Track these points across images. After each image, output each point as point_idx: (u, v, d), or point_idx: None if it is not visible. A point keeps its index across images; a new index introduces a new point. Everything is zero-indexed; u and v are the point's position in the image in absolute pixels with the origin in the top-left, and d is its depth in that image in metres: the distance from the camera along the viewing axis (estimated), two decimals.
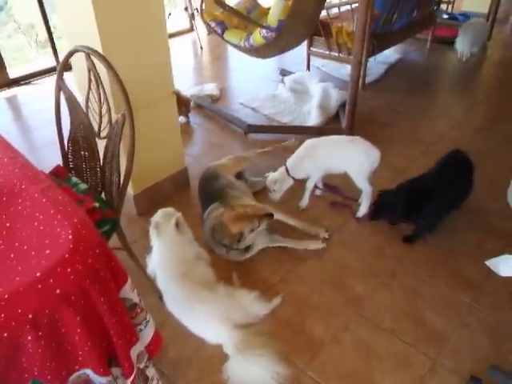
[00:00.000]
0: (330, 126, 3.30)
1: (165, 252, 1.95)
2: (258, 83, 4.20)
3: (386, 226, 2.35)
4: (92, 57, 1.55)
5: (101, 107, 1.61)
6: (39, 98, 3.93)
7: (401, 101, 3.69)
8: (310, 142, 2.40)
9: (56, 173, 1.78)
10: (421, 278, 2.05)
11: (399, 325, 1.84)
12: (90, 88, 1.65)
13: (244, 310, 1.85)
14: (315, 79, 3.81)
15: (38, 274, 0.96)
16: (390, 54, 4.58)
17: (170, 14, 5.14)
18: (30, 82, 4.23)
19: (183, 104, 3.40)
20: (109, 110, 1.60)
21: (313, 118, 3.38)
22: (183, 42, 5.48)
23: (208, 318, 1.79)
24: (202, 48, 5.21)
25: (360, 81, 3.78)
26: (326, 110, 3.42)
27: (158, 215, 1.97)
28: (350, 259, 2.18)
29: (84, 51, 1.56)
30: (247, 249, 2.12)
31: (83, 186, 1.72)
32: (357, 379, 1.66)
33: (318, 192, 2.56)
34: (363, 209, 2.37)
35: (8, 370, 0.98)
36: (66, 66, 1.72)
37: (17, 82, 4.17)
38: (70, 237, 1.05)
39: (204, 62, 5.09)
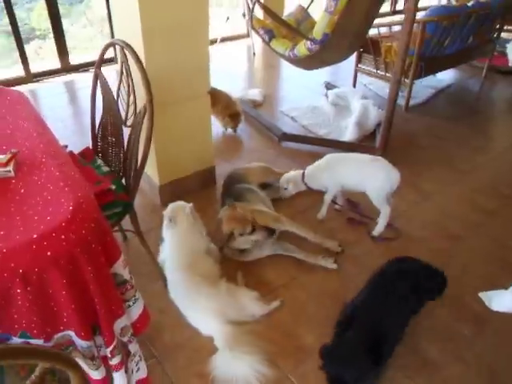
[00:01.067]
0: (363, 143, 3.29)
1: (175, 242, 2.04)
2: (302, 94, 4.25)
3: (400, 249, 2.33)
4: (125, 50, 1.67)
5: (129, 97, 1.73)
6: None
7: (443, 126, 3.62)
8: (332, 157, 2.43)
9: (84, 154, 1.92)
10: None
11: None
12: (121, 79, 1.78)
13: (241, 308, 1.91)
14: (358, 95, 3.82)
15: (34, 236, 1.06)
16: (442, 79, 4.49)
17: (228, 18, 5.31)
18: (87, 70, 4.51)
19: (232, 116, 3.39)
20: (134, 100, 1.71)
21: (348, 134, 3.39)
22: (238, 47, 5.64)
23: (204, 310, 1.86)
24: (254, 54, 5.33)
25: (404, 102, 3.80)
26: (362, 128, 3.42)
27: (171, 208, 2.07)
28: (356, 276, 2.17)
29: (119, 44, 1.69)
30: (243, 251, 2.17)
31: (105, 169, 1.85)
32: None
33: (336, 207, 2.58)
34: (379, 228, 2.37)
35: (0, 319, 1.09)
36: (104, 57, 1.87)
37: (76, 68, 4.47)
38: (71, 208, 1.15)
39: (255, 68, 5.22)
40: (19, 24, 4.90)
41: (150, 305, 1.94)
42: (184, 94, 2.39)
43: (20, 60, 4.20)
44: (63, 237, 1.08)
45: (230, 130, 3.51)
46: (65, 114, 3.73)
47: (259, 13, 3.71)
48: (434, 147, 3.31)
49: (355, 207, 2.56)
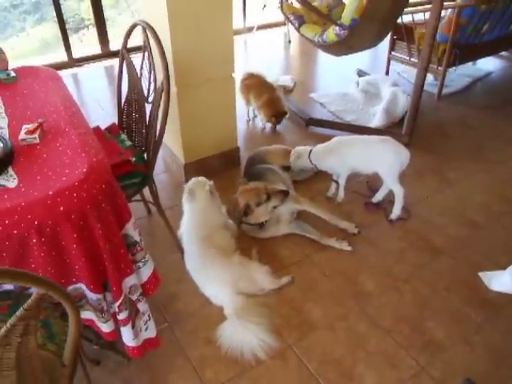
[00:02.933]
0: (389, 130, 3.26)
1: (193, 216, 2.13)
2: (334, 81, 4.24)
3: (418, 234, 2.33)
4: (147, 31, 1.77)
5: (150, 75, 1.83)
6: None
7: (476, 116, 3.51)
8: (340, 140, 2.46)
9: (110, 129, 2.05)
10: (435, 289, 2.02)
11: (398, 327, 1.85)
12: (143, 58, 1.88)
13: (252, 281, 1.98)
14: (388, 83, 3.77)
15: (50, 193, 1.18)
16: (480, 68, 4.34)
17: (265, 6, 5.34)
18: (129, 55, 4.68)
19: (277, 116, 3.23)
20: (155, 78, 1.81)
21: (376, 120, 3.37)
22: (275, 35, 5.65)
23: (215, 279, 1.95)
24: (290, 42, 5.34)
25: (437, 90, 3.72)
26: (391, 115, 3.39)
27: (192, 182, 2.16)
28: (369, 256, 2.20)
29: (141, 25, 1.78)
30: (261, 226, 2.23)
31: (128, 143, 1.96)
32: (339, 366, 1.71)
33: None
34: (396, 211, 2.37)
35: (21, 265, 1.21)
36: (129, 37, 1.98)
37: (115, 54, 4.65)
38: (85, 170, 1.26)
39: (290, 55, 5.23)
40: (71, 15, 5.18)
41: (167, 274, 2.09)
42: (208, 76, 2.47)
43: (64, 47, 4.43)
44: (75, 194, 1.19)
45: (268, 126, 3.38)
46: (102, 96, 3.91)
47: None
48: (464, 137, 3.23)
49: (372, 191, 2.57)
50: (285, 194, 2.18)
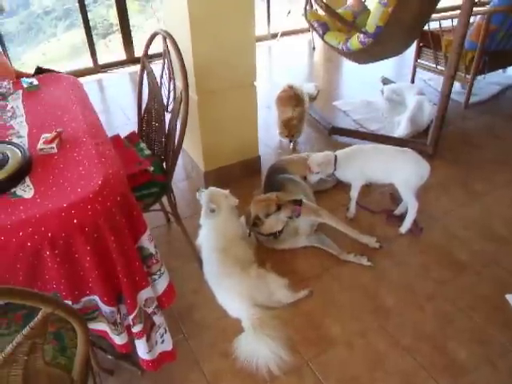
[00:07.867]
0: (414, 139, 3.18)
1: (213, 227, 2.11)
2: (358, 89, 4.18)
3: (441, 247, 2.25)
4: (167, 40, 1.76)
5: (169, 84, 1.83)
6: None
7: (504, 126, 3.39)
8: (359, 148, 2.40)
9: (130, 137, 2.05)
10: (459, 307, 1.94)
11: (419, 346, 1.78)
12: (163, 67, 1.88)
13: (269, 294, 1.95)
14: (414, 91, 3.68)
15: (64, 205, 1.18)
16: (511, 75, 4.20)
17: (289, 12, 5.32)
18: (152, 61, 4.72)
19: (285, 122, 3.10)
20: (174, 87, 1.80)
21: (400, 130, 3.30)
22: (299, 41, 5.62)
23: (232, 292, 1.92)
24: (314, 48, 5.30)
25: (464, 99, 3.61)
26: (416, 124, 3.31)
27: (210, 196, 2.12)
28: (390, 271, 2.14)
29: (162, 34, 1.78)
30: (276, 236, 2.20)
31: (147, 152, 1.96)
32: None
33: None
34: (406, 224, 2.32)
35: (34, 276, 1.22)
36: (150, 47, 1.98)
37: (139, 60, 4.69)
38: (100, 182, 1.25)
39: (314, 62, 5.19)
40: (100, 20, 5.29)
41: (184, 285, 2.08)
42: (229, 84, 2.46)
43: (89, 52, 4.51)
44: (89, 207, 1.19)
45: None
46: (126, 103, 3.95)
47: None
48: (491, 147, 3.12)
49: (394, 202, 2.50)
50: (297, 203, 2.12)
